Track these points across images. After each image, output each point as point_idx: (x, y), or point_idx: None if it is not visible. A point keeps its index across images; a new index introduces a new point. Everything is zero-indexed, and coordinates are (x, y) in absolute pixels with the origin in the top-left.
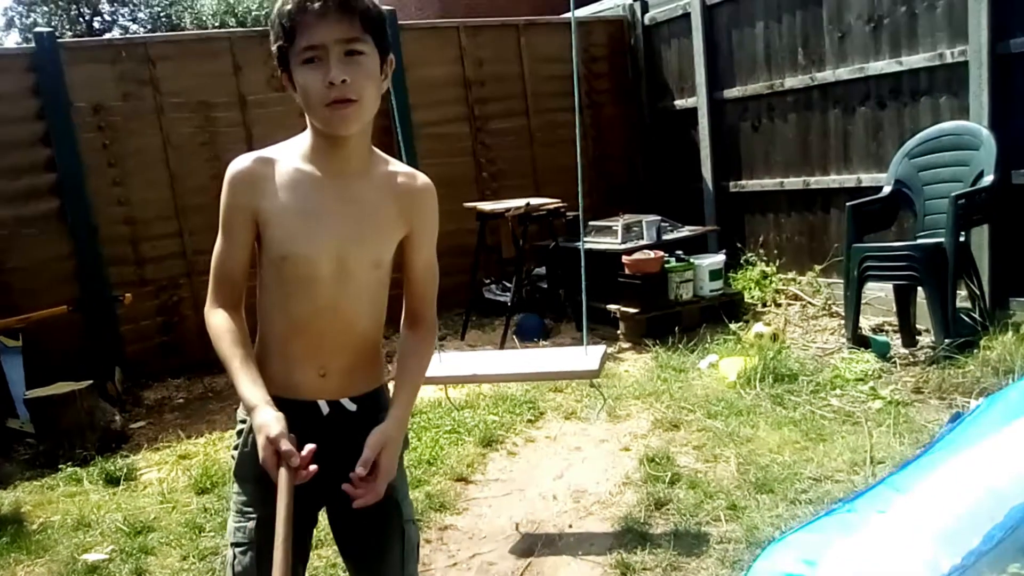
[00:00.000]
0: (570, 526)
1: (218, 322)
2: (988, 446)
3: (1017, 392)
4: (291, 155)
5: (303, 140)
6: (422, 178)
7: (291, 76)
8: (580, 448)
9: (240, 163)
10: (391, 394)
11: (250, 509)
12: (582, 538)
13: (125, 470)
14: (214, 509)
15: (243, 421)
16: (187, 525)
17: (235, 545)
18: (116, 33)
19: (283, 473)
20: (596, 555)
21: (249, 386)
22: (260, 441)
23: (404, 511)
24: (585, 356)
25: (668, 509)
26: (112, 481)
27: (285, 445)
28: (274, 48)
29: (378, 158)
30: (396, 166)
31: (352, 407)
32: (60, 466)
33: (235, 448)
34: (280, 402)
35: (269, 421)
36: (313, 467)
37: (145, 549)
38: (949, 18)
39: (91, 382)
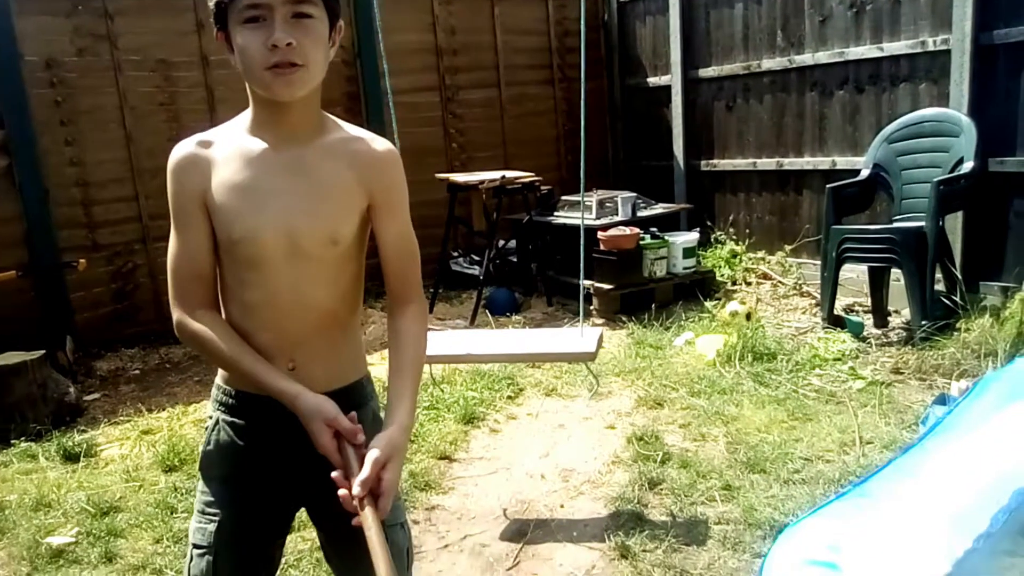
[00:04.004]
0: (561, 506)
1: (201, 326)
2: (987, 431)
3: (1009, 376)
4: (234, 132)
5: (245, 114)
6: (382, 142)
7: (228, 36)
8: (564, 426)
9: (181, 149)
10: (389, 394)
11: (213, 511)
12: (575, 519)
13: (84, 446)
14: (185, 488)
15: (210, 417)
16: (157, 505)
17: (194, 546)
18: None
19: (349, 452)
20: (592, 536)
21: (278, 377)
22: (316, 427)
23: (390, 515)
24: (581, 338)
25: (662, 489)
26: (71, 457)
27: (346, 423)
28: (212, 3)
29: (331, 124)
30: (352, 131)
31: None
32: (12, 441)
33: (203, 444)
34: (248, 399)
35: (320, 404)
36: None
37: (113, 531)
38: (932, 7)
39: (43, 352)
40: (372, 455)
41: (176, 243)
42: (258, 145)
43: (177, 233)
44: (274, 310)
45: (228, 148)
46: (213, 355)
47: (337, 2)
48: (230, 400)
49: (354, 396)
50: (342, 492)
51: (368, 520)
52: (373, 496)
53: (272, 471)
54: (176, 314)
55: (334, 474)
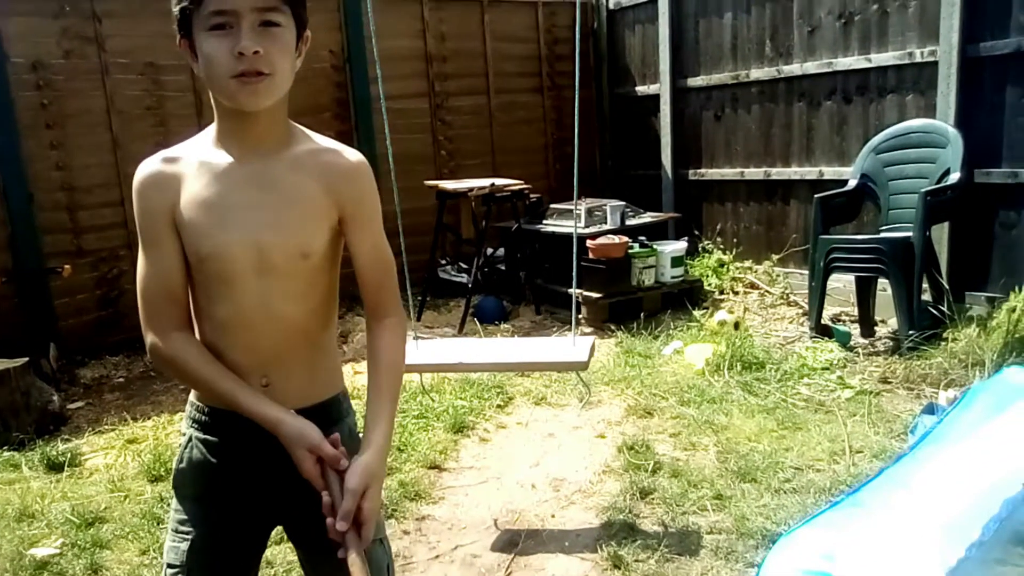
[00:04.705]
0: (553, 516)
1: (176, 351)
2: (976, 440)
3: (997, 386)
4: (200, 146)
5: (211, 128)
6: (351, 153)
7: (192, 43)
8: (554, 435)
9: (146, 167)
10: (367, 414)
11: (186, 529)
12: (567, 529)
13: (68, 455)
14: (171, 498)
15: (184, 434)
16: (144, 516)
17: (168, 566)
18: None
19: (332, 478)
20: (584, 547)
21: (260, 402)
22: (299, 454)
23: None
24: (573, 347)
25: (653, 498)
26: (54, 467)
27: (329, 450)
28: (176, 9)
29: (299, 135)
30: (322, 142)
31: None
32: None
33: (176, 461)
34: (222, 416)
35: (303, 430)
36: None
37: (99, 543)
38: (920, 18)
39: (26, 359)
40: (350, 486)
41: (145, 264)
42: (224, 158)
43: (146, 253)
44: (245, 326)
45: (194, 163)
46: (190, 380)
47: (305, 11)
48: (203, 417)
49: (330, 413)
50: (329, 521)
51: (351, 557)
52: (356, 524)
53: (246, 489)
54: (149, 338)
55: (324, 501)
